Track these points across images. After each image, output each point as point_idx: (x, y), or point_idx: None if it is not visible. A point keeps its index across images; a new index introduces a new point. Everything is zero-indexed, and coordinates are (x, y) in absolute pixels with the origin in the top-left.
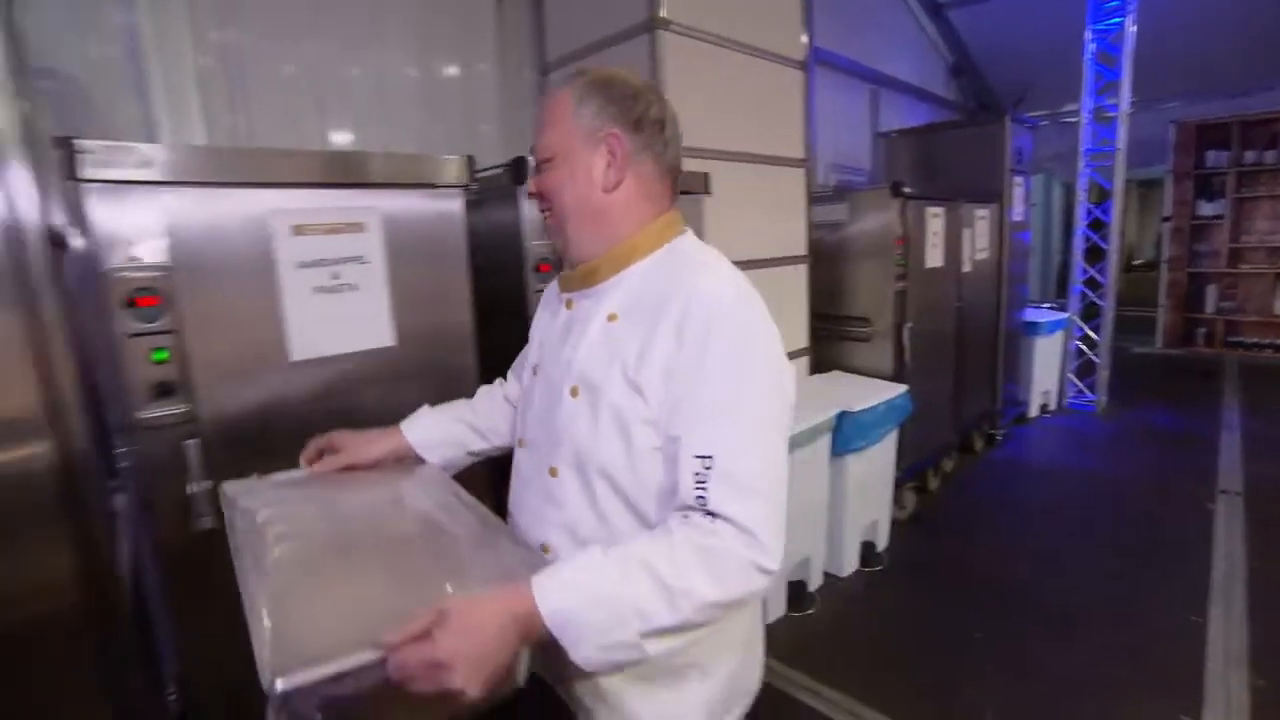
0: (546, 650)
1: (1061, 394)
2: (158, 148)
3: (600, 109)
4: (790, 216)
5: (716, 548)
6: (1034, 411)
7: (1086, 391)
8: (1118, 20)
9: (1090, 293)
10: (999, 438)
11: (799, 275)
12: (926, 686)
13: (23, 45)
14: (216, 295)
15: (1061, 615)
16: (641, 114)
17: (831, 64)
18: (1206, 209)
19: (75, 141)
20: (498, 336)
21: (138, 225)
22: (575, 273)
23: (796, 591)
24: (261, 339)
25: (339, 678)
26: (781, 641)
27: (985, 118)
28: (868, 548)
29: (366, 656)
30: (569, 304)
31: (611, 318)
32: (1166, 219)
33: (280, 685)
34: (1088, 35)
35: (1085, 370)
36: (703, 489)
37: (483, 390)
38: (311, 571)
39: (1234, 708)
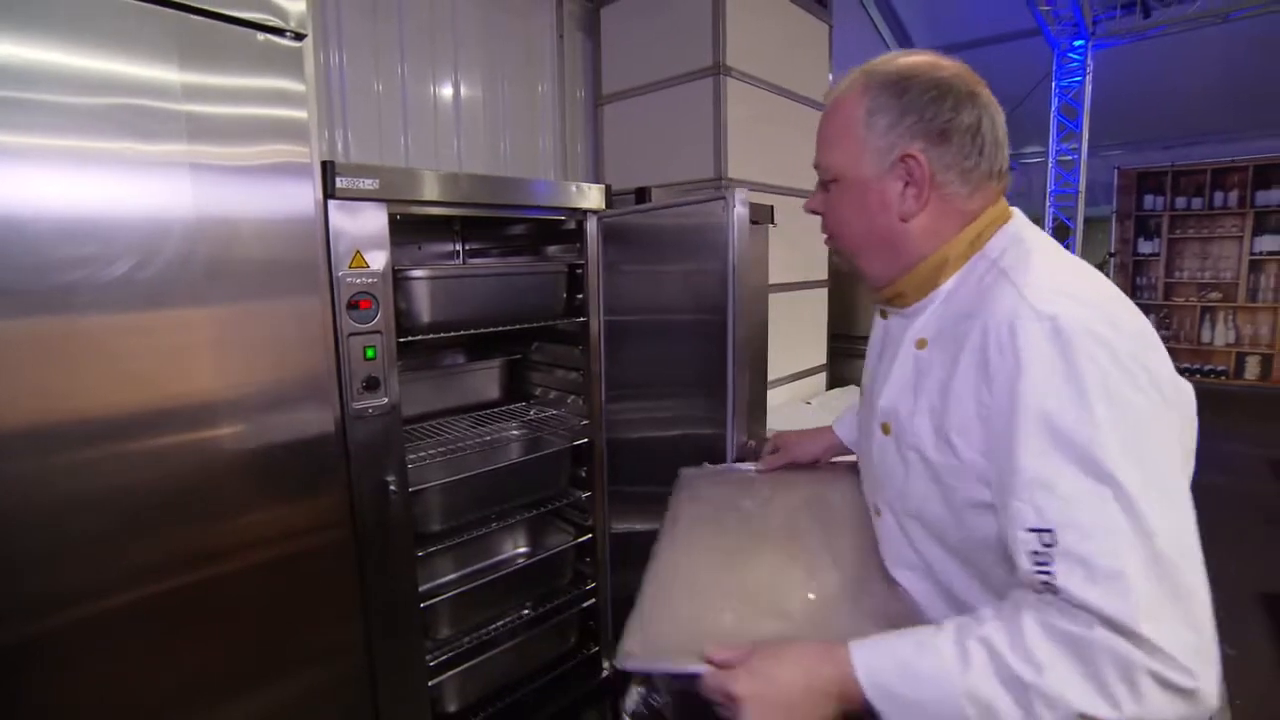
0: None
1: None
2: (387, 169)
3: (895, 122)
4: (815, 244)
5: (1084, 638)
6: None
7: None
8: (1079, 79)
9: None
10: None
11: (820, 298)
12: None
13: None
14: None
15: None
16: (949, 122)
17: None
18: (1145, 247)
19: (334, 163)
20: None
21: (365, 236)
22: (879, 294)
23: None
24: None
25: (673, 674)
26: None
27: None
28: None
29: (692, 666)
30: (883, 313)
31: (920, 344)
32: (1112, 255)
33: (617, 664)
34: (1052, 89)
35: None
36: (1046, 570)
37: None
38: (703, 561)
39: None
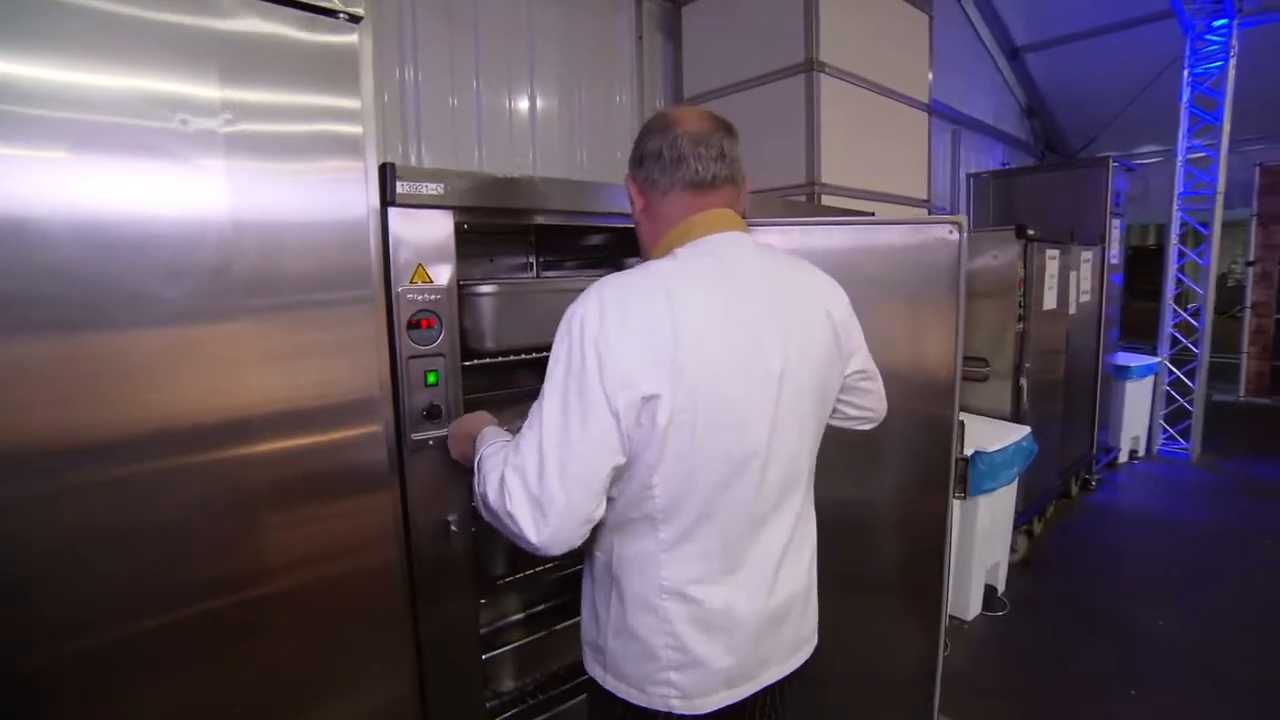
0: None
1: (1152, 440)
2: (452, 172)
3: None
4: None
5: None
6: (1124, 458)
7: (1179, 438)
8: (1218, 64)
9: (1183, 337)
10: (1094, 483)
11: None
12: None
13: None
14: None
15: (1216, 673)
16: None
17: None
18: None
19: (393, 165)
20: None
21: (429, 247)
22: None
23: None
24: None
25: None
26: None
27: (1086, 160)
28: (989, 591)
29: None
30: None
31: None
32: (1251, 263)
33: None
34: (1185, 77)
35: (1174, 417)
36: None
37: None
38: None
39: None
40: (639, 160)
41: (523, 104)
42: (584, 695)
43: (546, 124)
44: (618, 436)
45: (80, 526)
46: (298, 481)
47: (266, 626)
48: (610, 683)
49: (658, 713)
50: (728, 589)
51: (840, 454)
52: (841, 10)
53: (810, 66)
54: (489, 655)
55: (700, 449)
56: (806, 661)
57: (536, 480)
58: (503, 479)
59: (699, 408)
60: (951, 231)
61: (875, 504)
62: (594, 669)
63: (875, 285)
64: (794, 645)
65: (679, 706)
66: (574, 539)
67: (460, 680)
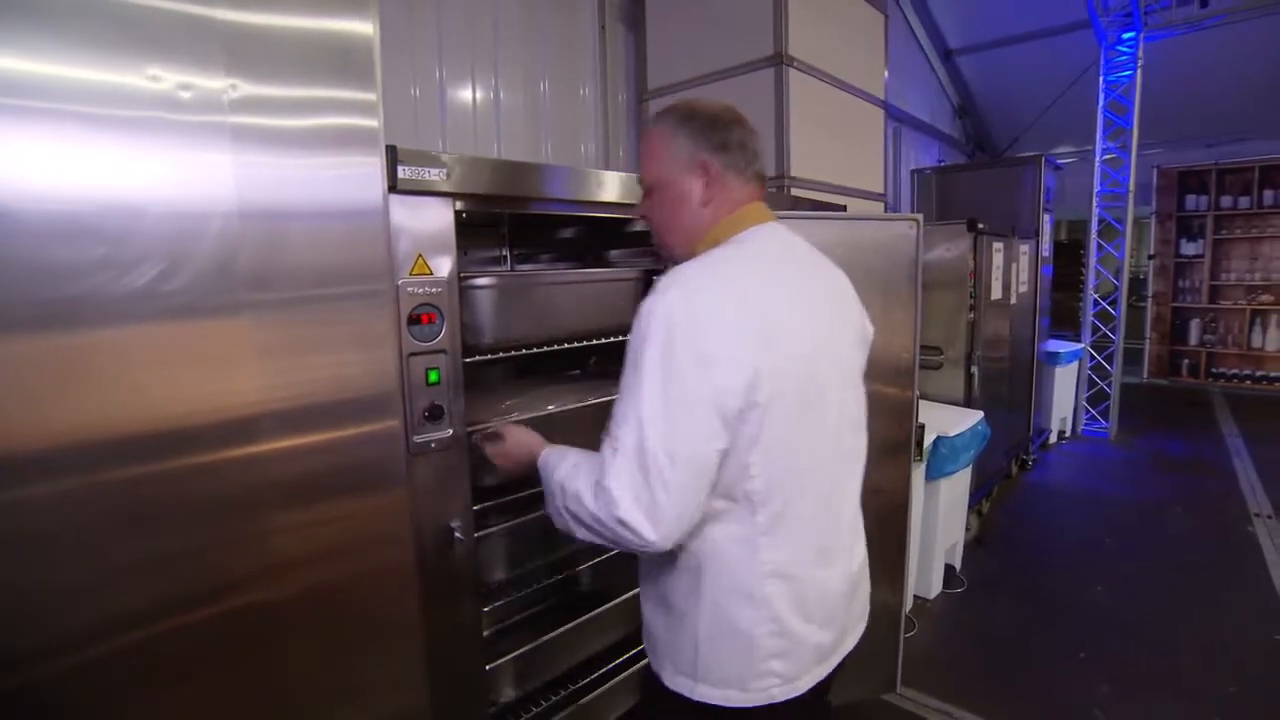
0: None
1: (1076, 421)
2: (455, 157)
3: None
4: None
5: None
6: (1054, 438)
7: (1099, 419)
8: (1128, 73)
9: (1102, 325)
10: (1030, 463)
11: None
12: (1052, 704)
13: None
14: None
15: (1154, 637)
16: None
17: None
18: (1188, 249)
19: (396, 148)
20: None
21: (429, 237)
22: None
23: None
24: None
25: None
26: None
27: (1021, 158)
28: (949, 570)
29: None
30: None
31: None
32: (1151, 257)
33: None
34: (1100, 84)
35: (1095, 399)
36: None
37: None
38: None
39: None
40: (721, 147)
41: (487, 94)
42: (583, 701)
43: (511, 114)
44: (720, 420)
45: (79, 528)
46: (311, 480)
47: (276, 632)
48: (702, 692)
49: (758, 709)
50: (821, 563)
51: None
52: (806, 5)
53: (779, 60)
54: (492, 665)
55: (794, 425)
56: None
57: (644, 477)
58: (600, 487)
59: (791, 385)
60: (911, 227)
61: None
62: (678, 683)
63: (855, 272)
64: (862, 613)
65: (779, 693)
66: (688, 529)
67: (464, 689)
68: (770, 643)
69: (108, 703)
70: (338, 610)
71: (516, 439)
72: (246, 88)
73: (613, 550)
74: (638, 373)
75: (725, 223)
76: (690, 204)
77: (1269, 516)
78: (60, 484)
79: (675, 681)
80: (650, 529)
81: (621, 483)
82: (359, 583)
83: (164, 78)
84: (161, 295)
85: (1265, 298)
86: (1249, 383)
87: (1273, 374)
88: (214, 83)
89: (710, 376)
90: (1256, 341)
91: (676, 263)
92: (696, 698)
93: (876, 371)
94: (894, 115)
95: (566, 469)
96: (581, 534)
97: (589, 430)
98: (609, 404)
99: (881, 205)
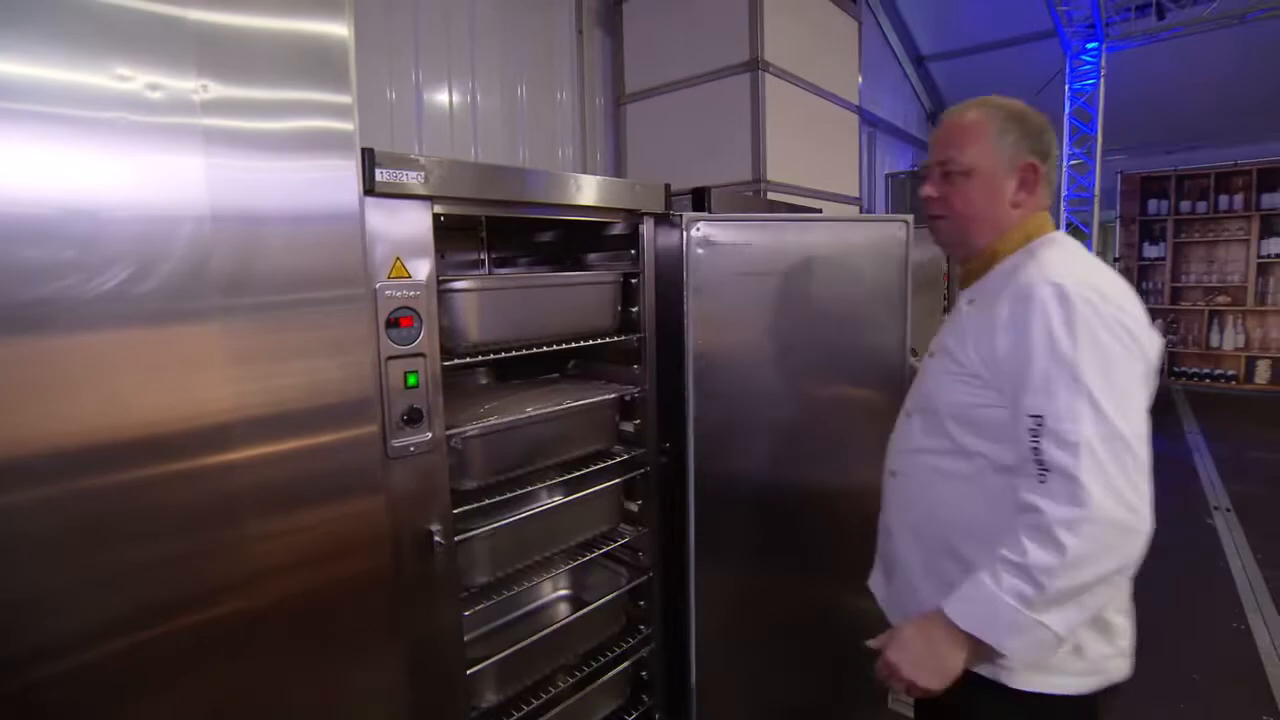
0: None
1: None
2: (433, 160)
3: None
4: None
5: (1037, 523)
6: None
7: None
8: (1092, 81)
9: None
10: None
11: None
12: None
13: None
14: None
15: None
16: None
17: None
18: (1150, 251)
19: (373, 151)
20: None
21: (407, 240)
22: (967, 265)
23: None
24: None
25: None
26: None
27: None
28: None
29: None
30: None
31: (970, 303)
32: (1117, 259)
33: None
34: (1066, 92)
35: None
36: (1036, 444)
37: None
38: None
39: None
40: (1046, 155)
41: (463, 98)
42: (566, 704)
43: (488, 118)
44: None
45: (47, 536)
46: (289, 486)
47: (253, 640)
48: (1057, 683)
49: (1096, 693)
50: None
51: (814, 441)
52: (782, 12)
53: (755, 65)
54: (473, 670)
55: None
56: None
57: (1123, 481)
58: (1071, 524)
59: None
60: (901, 228)
61: (838, 481)
62: (1036, 681)
63: (844, 274)
64: None
65: (1122, 669)
66: None
67: (445, 694)
68: (1119, 620)
69: (82, 713)
70: (316, 617)
71: (932, 647)
72: (218, 89)
73: (600, 551)
74: (1077, 372)
75: (1035, 222)
76: (1003, 200)
77: (1228, 509)
78: (28, 492)
79: (1029, 681)
80: (1147, 522)
81: (1101, 510)
82: (338, 589)
83: (132, 77)
84: (132, 299)
85: (1222, 299)
86: (1208, 381)
87: (1230, 372)
88: (184, 83)
89: (1145, 358)
90: (1215, 341)
91: (953, 249)
92: (1051, 691)
93: (868, 373)
94: (868, 120)
95: (1003, 562)
96: (1070, 580)
97: (570, 433)
98: (590, 407)
99: (857, 208)
